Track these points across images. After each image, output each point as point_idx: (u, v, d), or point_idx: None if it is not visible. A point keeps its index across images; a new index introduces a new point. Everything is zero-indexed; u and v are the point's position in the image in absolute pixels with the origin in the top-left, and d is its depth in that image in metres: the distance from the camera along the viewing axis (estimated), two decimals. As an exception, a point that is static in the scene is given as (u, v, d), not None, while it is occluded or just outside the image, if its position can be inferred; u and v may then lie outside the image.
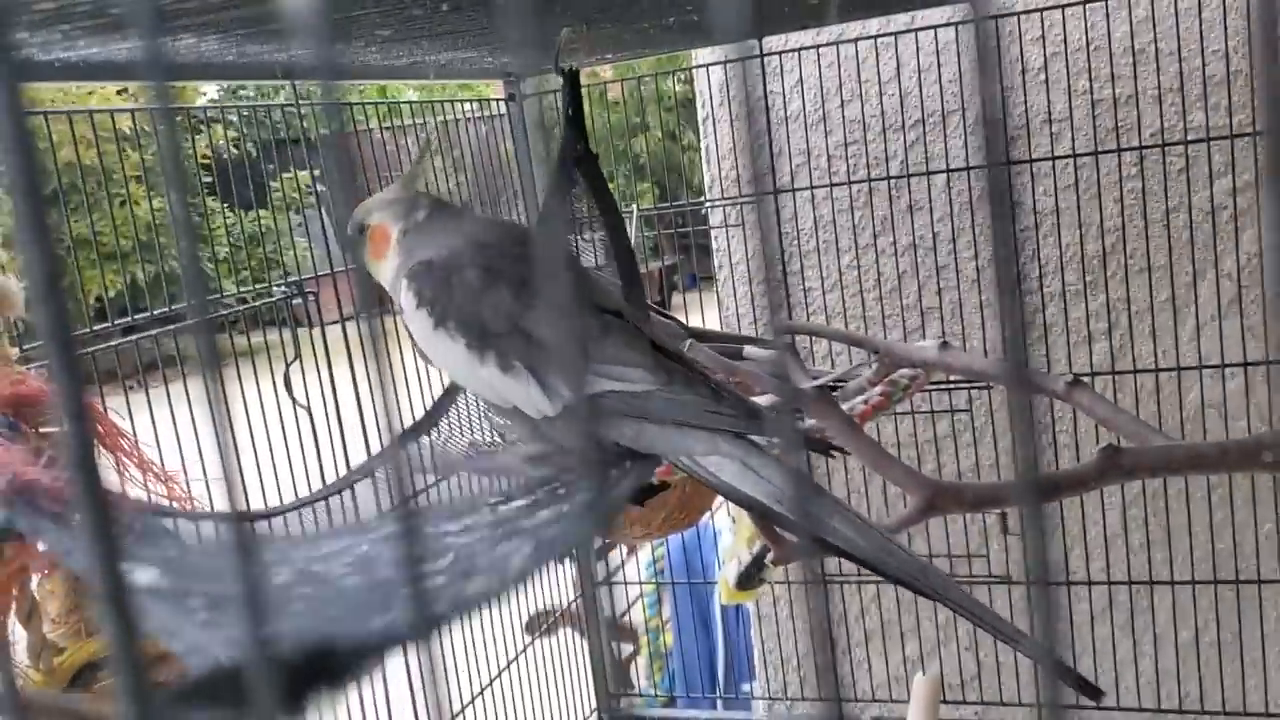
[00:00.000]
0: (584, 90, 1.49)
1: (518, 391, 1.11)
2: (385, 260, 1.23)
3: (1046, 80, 2.07)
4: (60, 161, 1.35)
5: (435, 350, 1.18)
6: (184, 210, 0.38)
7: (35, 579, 1.04)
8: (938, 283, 2.20)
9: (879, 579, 2.25)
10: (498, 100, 2.15)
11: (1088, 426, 2.11)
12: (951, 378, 2.05)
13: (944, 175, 2.14)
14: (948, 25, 2.07)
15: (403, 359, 1.72)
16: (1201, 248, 2.05)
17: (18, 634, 1.03)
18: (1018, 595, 2.24)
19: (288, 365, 1.61)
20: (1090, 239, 2.09)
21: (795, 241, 2.26)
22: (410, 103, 2.01)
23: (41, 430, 1.03)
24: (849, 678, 2.43)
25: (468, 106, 2.04)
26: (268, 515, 1.30)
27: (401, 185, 1.27)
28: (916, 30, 2.08)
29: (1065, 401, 1.63)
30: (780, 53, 2.15)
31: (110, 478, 1.08)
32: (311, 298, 1.61)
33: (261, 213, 2.09)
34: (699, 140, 2.34)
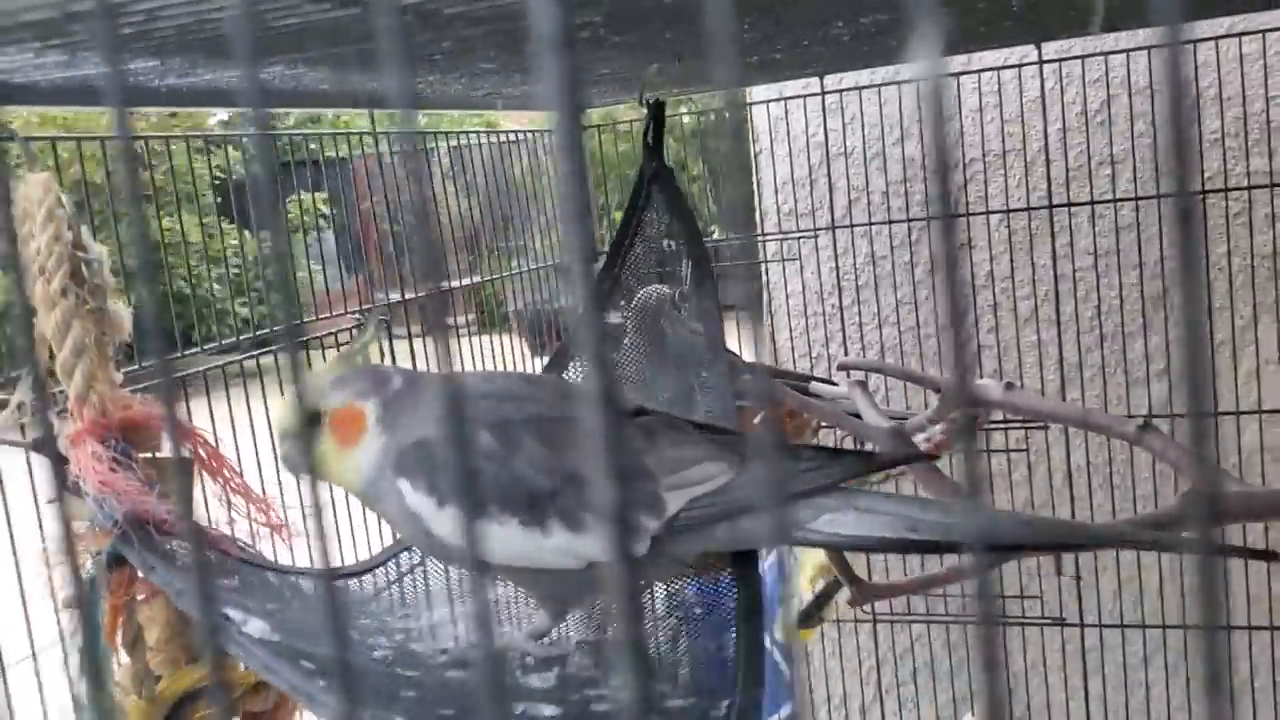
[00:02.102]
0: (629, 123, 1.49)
1: (595, 546, 0.96)
2: (358, 448, 1.00)
3: (1109, 121, 2.07)
4: (68, 180, 1.30)
5: (480, 545, 0.98)
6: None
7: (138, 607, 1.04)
8: (992, 320, 2.20)
9: (924, 617, 2.24)
10: (510, 131, 2.16)
11: (1136, 466, 2.11)
12: (1007, 416, 2.04)
13: (999, 215, 2.15)
14: (1006, 68, 2.08)
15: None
16: (1260, 291, 2.05)
17: (121, 661, 1.03)
18: (1069, 635, 2.23)
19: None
20: (1149, 279, 2.10)
21: (852, 276, 2.26)
22: (426, 133, 2.02)
23: (151, 456, 1.03)
24: (895, 718, 2.42)
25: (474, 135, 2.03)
26: (357, 574, 1.23)
27: (343, 362, 1.06)
28: (976, 72, 2.09)
29: (1136, 445, 1.63)
30: (840, 91, 2.16)
31: (214, 507, 1.07)
32: (384, 325, 1.61)
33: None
34: (755, 172, 2.35)
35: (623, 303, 1.42)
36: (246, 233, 2.01)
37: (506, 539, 0.96)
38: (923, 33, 0.28)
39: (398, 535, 1.21)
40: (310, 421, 1.00)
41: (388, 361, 1.17)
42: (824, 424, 1.77)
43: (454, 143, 2.01)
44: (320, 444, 0.99)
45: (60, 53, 0.90)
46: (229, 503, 1.08)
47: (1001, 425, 2.11)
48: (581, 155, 0.31)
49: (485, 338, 2.07)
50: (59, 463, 0.97)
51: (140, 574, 0.99)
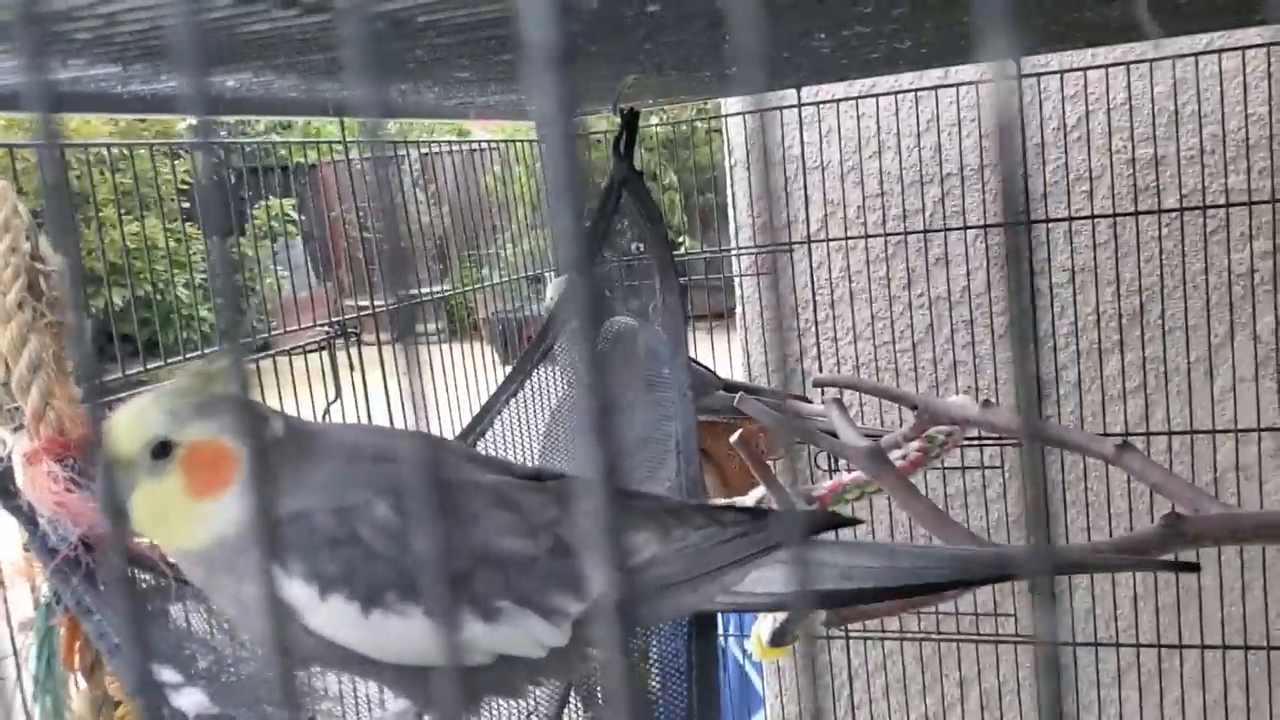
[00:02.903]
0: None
1: (513, 635, 0.82)
2: (216, 503, 0.78)
3: (1088, 137, 2.06)
4: (30, 188, 1.24)
5: (372, 642, 0.80)
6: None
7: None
8: (967, 336, 2.18)
9: (897, 634, 2.23)
10: (480, 141, 2.13)
11: (1112, 484, 2.10)
12: (981, 434, 2.03)
13: (975, 230, 2.14)
14: (984, 81, 2.07)
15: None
16: (1235, 309, 2.04)
17: (79, 686, 0.99)
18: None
19: (329, 404, 1.58)
20: (1124, 296, 2.09)
21: (826, 290, 2.24)
22: (395, 141, 1.99)
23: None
24: (867, 734, 2.40)
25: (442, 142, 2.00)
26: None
27: (203, 383, 0.80)
28: (953, 85, 2.08)
29: (1114, 465, 1.61)
30: (817, 104, 2.14)
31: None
32: (354, 337, 1.58)
33: (241, 240, 1.99)
34: (728, 186, 2.33)
35: None
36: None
37: (406, 634, 0.79)
38: (993, 39, 0.26)
39: (226, 624, 1.01)
40: (154, 453, 0.78)
41: (344, 375, 1.09)
42: (799, 442, 1.75)
43: (424, 150, 1.98)
44: (158, 484, 0.78)
45: (8, 57, 0.87)
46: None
47: (976, 442, 2.10)
48: (578, 168, 0.30)
49: (454, 345, 2.05)
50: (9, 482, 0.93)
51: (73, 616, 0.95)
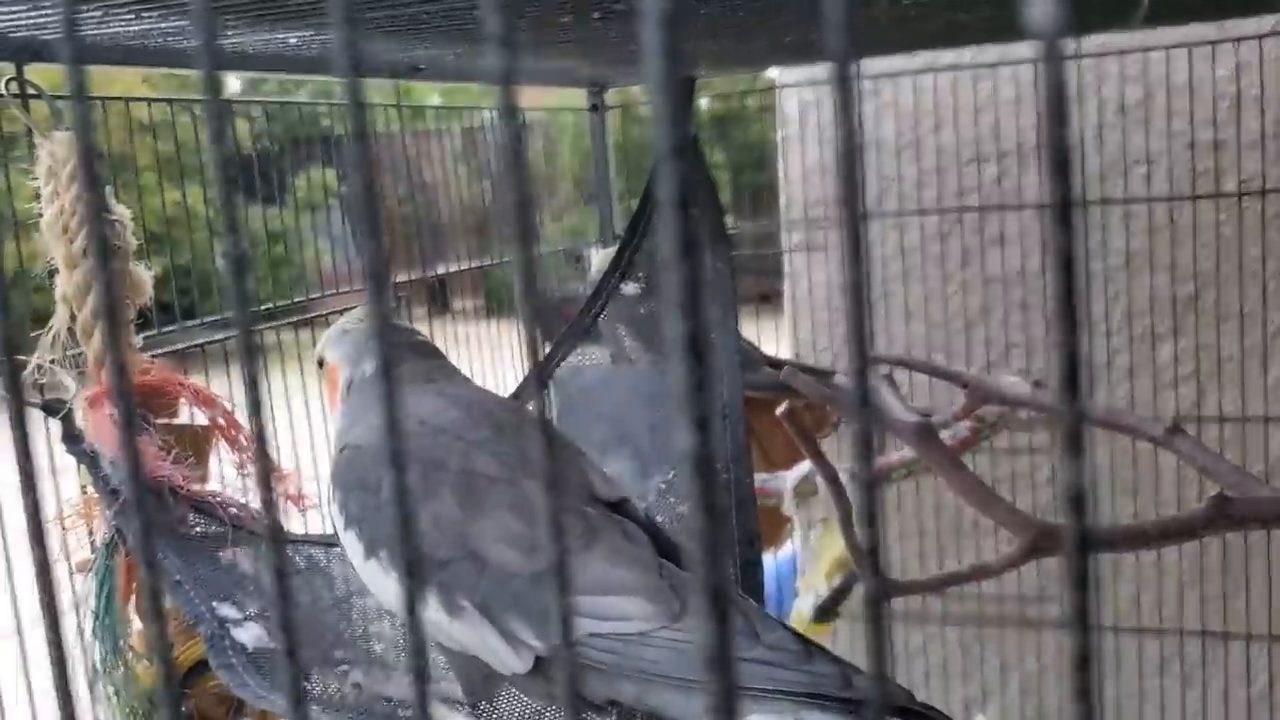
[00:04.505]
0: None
1: (472, 639, 0.81)
2: (337, 411, 0.97)
3: (1147, 120, 2.04)
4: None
5: (371, 586, 0.87)
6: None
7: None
8: (1021, 318, 2.17)
9: (938, 618, 2.22)
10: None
11: (1164, 471, 2.08)
12: (1031, 416, 2.01)
13: (1031, 211, 2.12)
14: (1037, 61, 2.04)
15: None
16: (1293, 297, 2.02)
17: (136, 627, 1.01)
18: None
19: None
20: (1178, 282, 2.06)
21: (879, 268, 2.23)
22: (436, 107, 1.99)
23: (168, 423, 1.01)
24: (905, 714, 2.39)
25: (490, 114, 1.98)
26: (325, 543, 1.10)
27: (359, 314, 1.02)
28: (1011, 64, 2.06)
29: (1164, 448, 1.60)
30: (876, 76, 2.13)
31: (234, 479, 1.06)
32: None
33: (283, 211, 2.00)
34: (779, 161, 2.32)
35: (641, 274, 1.38)
36: (253, 208, 1.96)
37: (386, 590, 0.85)
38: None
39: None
40: (319, 363, 1.00)
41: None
42: (847, 418, 1.75)
43: (466, 124, 1.98)
44: (320, 387, 1.00)
45: (95, 8, 0.88)
46: (248, 472, 1.06)
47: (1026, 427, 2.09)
48: (685, 133, 0.29)
49: (490, 322, 2.05)
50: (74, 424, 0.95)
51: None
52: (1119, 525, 1.82)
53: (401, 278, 1.84)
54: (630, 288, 1.38)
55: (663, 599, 0.78)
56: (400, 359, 0.89)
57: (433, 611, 0.81)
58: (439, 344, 1.11)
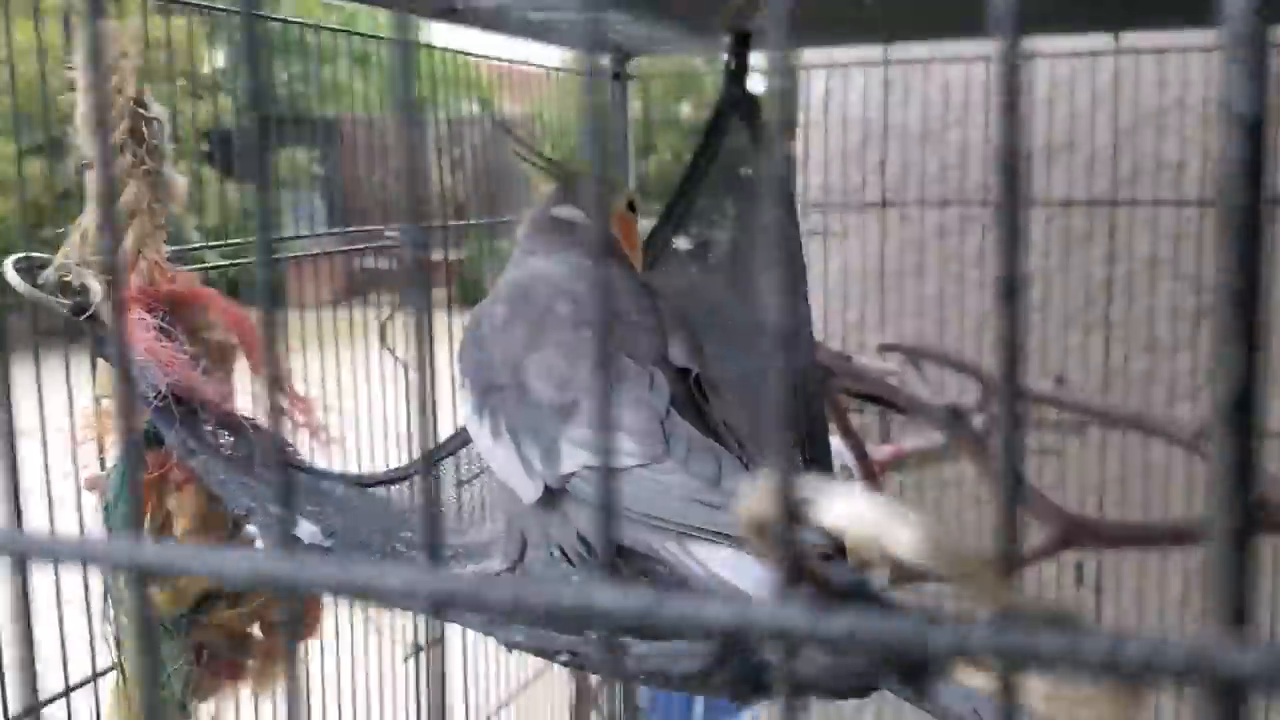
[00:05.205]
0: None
1: (503, 463, 0.86)
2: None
3: (1181, 122, 2.01)
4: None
5: (472, 433, 0.92)
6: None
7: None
8: (1035, 317, 2.13)
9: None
10: None
11: (1172, 475, 2.05)
12: (1041, 416, 1.98)
13: (1056, 208, 2.09)
14: (1071, 56, 2.01)
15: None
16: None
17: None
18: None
19: (384, 320, 1.54)
20: (1204, 290, 2.04)
21: (895, 259, 2.20)
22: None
23: (198, 335, 0.96)
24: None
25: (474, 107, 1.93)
26: (391, 481, 1.13)
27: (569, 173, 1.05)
28: (1050, 57, 2.03)
29: (1191, 451, 1.57)
30: (900, 62, 2.10)
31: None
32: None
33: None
34: (799, 144, 2.28)
35: (694, 230, 1.35)
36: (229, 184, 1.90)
37: (463, 414, 0.92)
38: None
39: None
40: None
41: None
42: (871, 395, 1.70)
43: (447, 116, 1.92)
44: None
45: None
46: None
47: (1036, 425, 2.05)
48: (793, 100, 0.29)
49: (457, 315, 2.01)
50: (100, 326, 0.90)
51: (176, 456, 0.92)
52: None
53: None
54: (683, 243, 1.35)
55: (649, 442, 0.80)
56: (543, 229, 0.99)
57: (486, 434, 0.87)
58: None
